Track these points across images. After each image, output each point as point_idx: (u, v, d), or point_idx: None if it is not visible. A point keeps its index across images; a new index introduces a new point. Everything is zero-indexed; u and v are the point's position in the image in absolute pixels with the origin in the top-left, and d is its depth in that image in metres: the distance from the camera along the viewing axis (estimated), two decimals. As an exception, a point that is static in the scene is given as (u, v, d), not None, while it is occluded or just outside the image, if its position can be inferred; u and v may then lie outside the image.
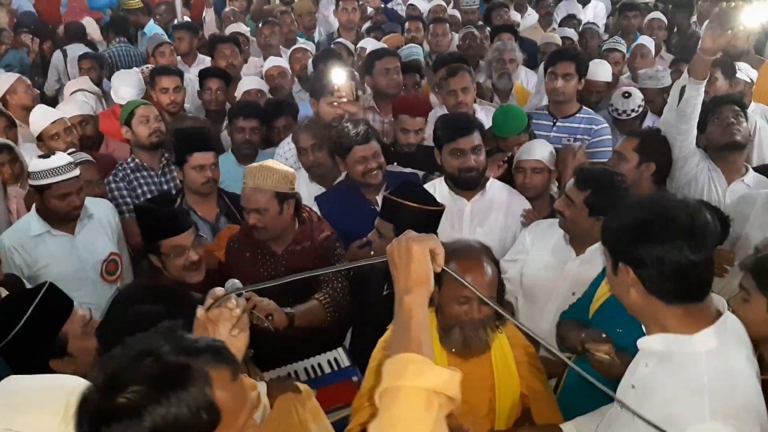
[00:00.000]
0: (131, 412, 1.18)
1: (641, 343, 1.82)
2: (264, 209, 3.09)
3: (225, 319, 1.61)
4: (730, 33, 3.19)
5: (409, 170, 3.90)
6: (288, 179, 3.16)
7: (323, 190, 3.76)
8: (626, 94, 4.67)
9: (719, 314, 1.75)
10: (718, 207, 3.10)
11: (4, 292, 2.89)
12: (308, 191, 3.83)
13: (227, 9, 8.06)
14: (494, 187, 3.56)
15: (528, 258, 3.21)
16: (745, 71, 4.68)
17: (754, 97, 4.68)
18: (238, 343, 1.62)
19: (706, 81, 3.36)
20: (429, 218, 2.92)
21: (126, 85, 4.99)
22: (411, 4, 7.71)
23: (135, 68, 5.67)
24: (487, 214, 3.50)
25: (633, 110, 4.63)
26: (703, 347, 1.69)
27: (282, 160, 3.84)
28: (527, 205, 3.55)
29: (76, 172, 3.38)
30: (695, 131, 3.50)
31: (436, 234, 2.86)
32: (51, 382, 1.67)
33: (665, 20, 6.57)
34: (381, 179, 3.58)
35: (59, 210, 3.38)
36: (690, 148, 3.53)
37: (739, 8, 3.20)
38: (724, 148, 3.51)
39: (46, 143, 4.14)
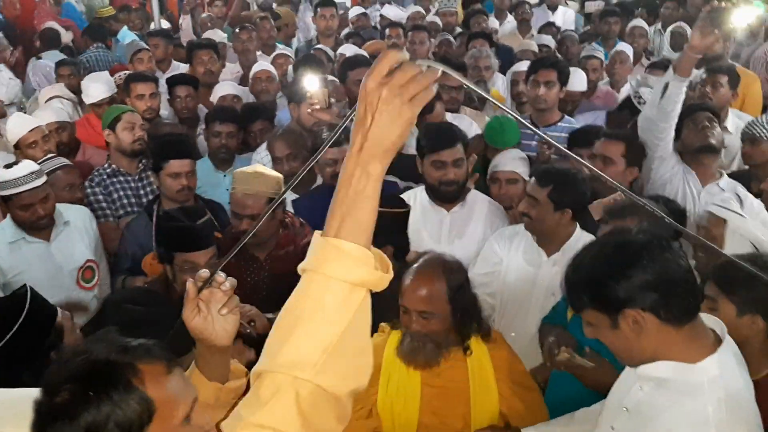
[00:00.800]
0: (65, 411, 1.21)
1: (641, 370, 1.78)
2: (257, 215, 3.06)
3: (216, 301, 1.59)
4: (717, 32, 3.25)
5: (390, 178, 3.87)
6: (279, 184, 3.16)
7: (295, 196, 3.74)
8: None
9: (719, 340, 1.74)
10: (674, 200, 3.18)
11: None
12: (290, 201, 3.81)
13: (204, 15, 8.02)
14: (475, 198, 3.55)
15: (503, 268, 3.19)
16: None
17: (738, 105, 4.75)
18: (228, 326, 1.59)
19: (689, 79, 3.40)
20: (394, 220, 2.90)
21: (96, 82, 4.97)
22: (382, 14, 7.71)
23: (106, 71, 5.62)
24: (466, 225, 3.48)
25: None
26: (706, 376, 1.68)
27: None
28: (505, 217, 3.54)
29: (40, 181, 3.32)
30: (673, 132, 3.53)
31: (406, 238, 2.95)
32: (18, 395, 1.62)
33: (647, 28, 6.63)
34: None
35: (24, 220, 3.35)
36: (667, 149, 3.56)
37: (728, 9, 3.28)
38: (698, 150, 3.55)
39: (23, 151, 4.09)
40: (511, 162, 3.68)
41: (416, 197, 3.48)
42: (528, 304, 3.10)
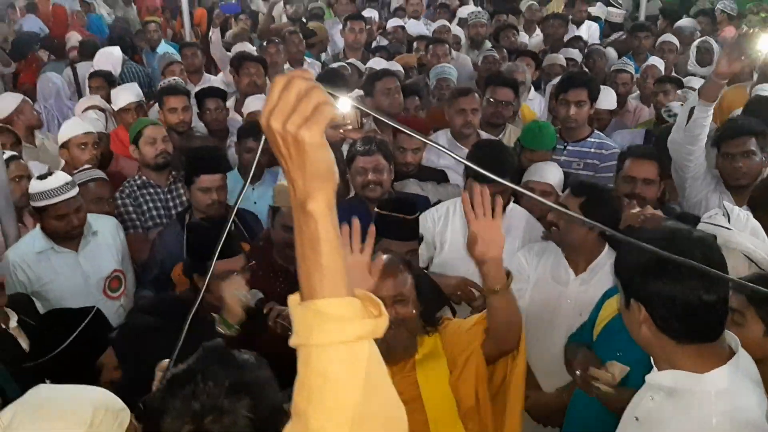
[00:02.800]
0: None
1: (650, 378, 1.79)
2: None
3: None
4: (744, 59, 3.20)
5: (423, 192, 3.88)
6: None
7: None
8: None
9: (732, 352, 1.71)
10: (687, 212, 3.13)
11: (13, 315, 2.87)
12: None
13: (232, 29, 8.15)
14: (513, 212, 3.49)
15: (529, 284, 3.13)
16: None
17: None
18: None
19: (715, 103, 3.33)
20: (401, 227, 2.92)
21: (124, 90, 5.19)
22: (401, 26, 7.72)
23: (135, 83, 5.77)
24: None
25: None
26: (714, 387, 1.66)
27: None
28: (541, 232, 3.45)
29: (74, 191, 3.37)
30: (703, 153, 3.46)
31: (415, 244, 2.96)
32: (78, 393, 1.69)
33: (677, 43, 6.57)
34: (379, 194, 3.50)
35: (59, 230, 3.39)
36: (699, 170, 3.50)
37: (757, 35, 3.24)
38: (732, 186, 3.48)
39: (70, 151, 4.24)
40: (549, 174, 3.64)
41: (455, 209, 3.43)
42: (554, 322, 3.03)
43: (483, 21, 7.57)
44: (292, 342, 1.08)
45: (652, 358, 1.80)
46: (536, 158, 3.88)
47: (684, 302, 1.63)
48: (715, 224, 2.79)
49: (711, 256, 1.66)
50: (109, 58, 6.68)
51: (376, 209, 3.00)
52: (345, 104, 4.02)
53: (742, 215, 2.82)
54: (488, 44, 7.22)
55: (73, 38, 8.12)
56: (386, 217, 2.91)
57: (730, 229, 2.74)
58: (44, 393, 1.68)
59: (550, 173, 3.65)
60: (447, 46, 6.29)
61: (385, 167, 3.55)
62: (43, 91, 6.57)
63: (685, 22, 7.75)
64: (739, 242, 2.69)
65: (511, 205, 3.51)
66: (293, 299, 1.10)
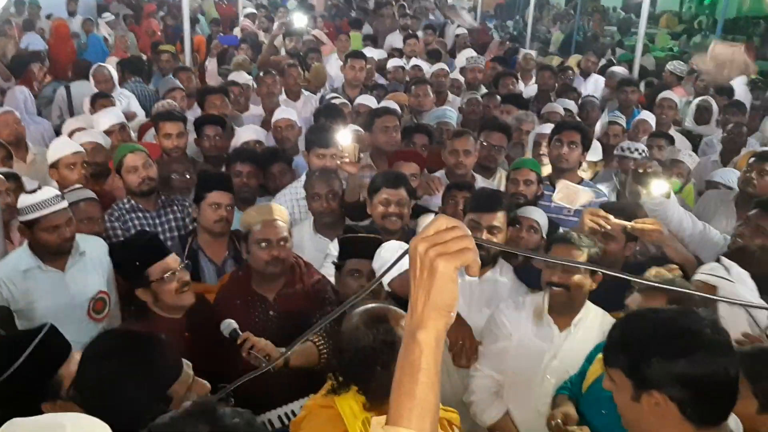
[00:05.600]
0: None
1: None
2: (286, 238, 3.22)
3: None
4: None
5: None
6: (288, 218, 3.34)
7: (327, 241, 3.75)
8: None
9: None
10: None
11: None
12: (312, 243, 3.86)
13: (237, 58, 8.28)
14: (502, 265, 3.48)
15: (512, 342, 3.03)
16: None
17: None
18: None
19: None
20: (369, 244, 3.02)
21: (106, 114, 5.24)
22: (415, 65, 7.83)
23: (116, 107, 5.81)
24: (494, 294, 3.39)
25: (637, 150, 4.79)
26: None
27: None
28: (524, 291, 3.40)
29: (64, 203, 3.36)
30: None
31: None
32: (52, 421, 1.66)
33: (676, 100, 6.70)
34: (398, 227, 3.59)
35: (50, 243, 3.34)
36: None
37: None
38: None
39: (59, 171, 4.20)
40: (537, 214, 3.70)
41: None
42: (537, 380, 2.96)
43: (480, 66, 7.71)
44: None
45: None
46: (520, 176, 4.08)
47: (712, 382, 1.60)
48: (718, 276, 2.82)
49: (720, 332, 1.65)
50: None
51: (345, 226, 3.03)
52: (345, 138, 4.08)
53: (741, 271, 2.85)
54: (483, 89, 7.33)
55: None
56: (352, 237, 2.97)
57: (732, 282, 2.77)
58: (18, 426, 1.64)
59: (537, 213, 3.70)
60: (428, 86, 6.38)
61: (407, 202, 3.62)
62: (8, 104, 6.49)
63: (617, 68, 8.28)
64: (741, 295, 2.72)
65: (498, 266, 3.47)
66: (378, 420, 1.14)
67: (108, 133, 4.98)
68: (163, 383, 2.10)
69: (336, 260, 3.25)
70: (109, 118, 5.14)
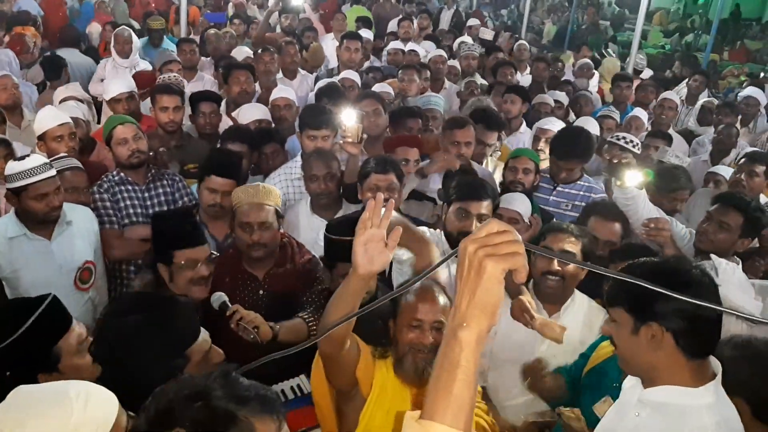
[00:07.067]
0: None
1: (641, 395, 1.87)
2: (269, 224, 3.17)
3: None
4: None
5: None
6: (280, 199, 3.28)
7: (323, 222, 3.71)
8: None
9: (714, 374, 1.84)
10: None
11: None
12: (309, 223, 3.84)
13: (225, 30, 8.13)
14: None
15: (500, 328, 2.96)
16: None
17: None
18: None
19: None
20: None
21: (116, 81, 5.15)
22: (412, 50, 7.80)
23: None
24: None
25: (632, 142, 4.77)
26: (704, 401, 1.79)
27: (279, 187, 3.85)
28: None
29: (52, 171, 3.32)
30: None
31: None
32: (58, 389, 1.68)
33: (678, 101, 6.72)
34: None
35: (38, 211, 3.30)
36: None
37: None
38: None
39: (47, 143, 4.10)
40: (517, 203, 3.67)
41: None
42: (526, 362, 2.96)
43: (474, 53, 7.69)
44: None
45: (643, 378, 1.88)
46: (519, 163, 4.09)
47: (705, 317, 1.75)
48: None
49: (709, 276, 1.84)
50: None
51: (325, 233, 2.97)
52: (349, 118, 4.01)
53: (729, 268, 2.88)
54: (478, 76, 7.32)
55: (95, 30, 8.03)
56: (337, 242, 2.88)
57: (718, 285, 2.79)
58: (24, 393, 1.65)
59: (519, 202, 3.69)
60: (415, 72, 6.34)
61: (397, 187, 3.60)
62: (-4, 65, 6.42)
63: (585, 60, 8.43)
64: (727, 299, 2.73)
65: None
66: (412, 414, 1.17)
67: (116, 100, 4.95)
68: (181, 343, 2.16)
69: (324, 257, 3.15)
70: (119, 85, 5.05)
